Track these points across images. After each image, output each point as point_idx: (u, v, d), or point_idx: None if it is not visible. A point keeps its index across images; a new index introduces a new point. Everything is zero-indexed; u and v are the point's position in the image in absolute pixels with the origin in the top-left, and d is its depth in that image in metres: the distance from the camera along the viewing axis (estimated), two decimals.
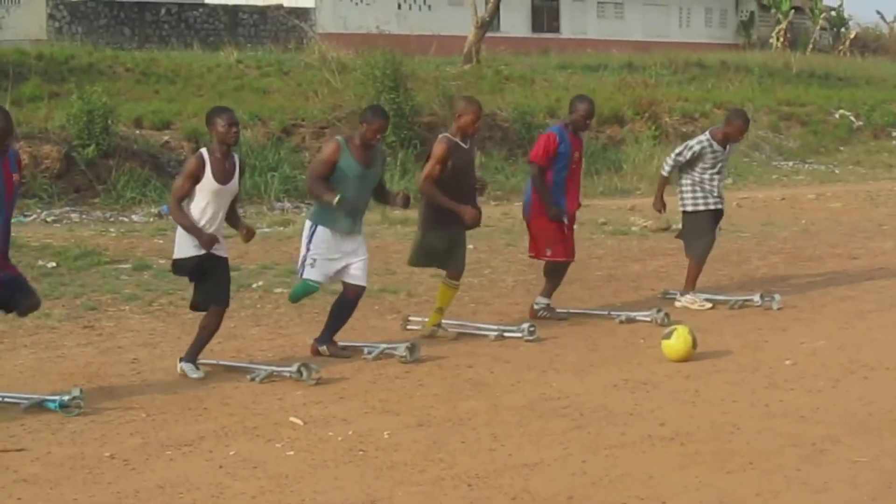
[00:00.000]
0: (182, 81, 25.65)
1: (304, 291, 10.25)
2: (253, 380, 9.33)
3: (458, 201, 10.58)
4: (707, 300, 12.47)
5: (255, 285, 12.96)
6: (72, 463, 7.42)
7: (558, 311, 11.91)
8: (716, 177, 12.45)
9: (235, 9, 41.04)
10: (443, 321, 11.13)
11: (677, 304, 12.40)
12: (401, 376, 9.59)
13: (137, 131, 21.19)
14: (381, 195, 10.48)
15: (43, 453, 7.60)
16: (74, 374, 9.39)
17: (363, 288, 10.28)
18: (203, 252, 9.28)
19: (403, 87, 23.44)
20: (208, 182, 9.23)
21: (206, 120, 9.51)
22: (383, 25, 36.06)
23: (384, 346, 10.24)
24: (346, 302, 10.25)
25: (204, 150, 9.37)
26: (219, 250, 9.40)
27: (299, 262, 10.20)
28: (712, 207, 12.51)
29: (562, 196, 11.69)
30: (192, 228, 9.24)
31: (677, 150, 12.55)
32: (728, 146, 12.48)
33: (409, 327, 11.18)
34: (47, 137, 19.43)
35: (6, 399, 8.60)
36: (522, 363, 10.04)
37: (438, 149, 10.64)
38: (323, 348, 10.17)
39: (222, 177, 9.29)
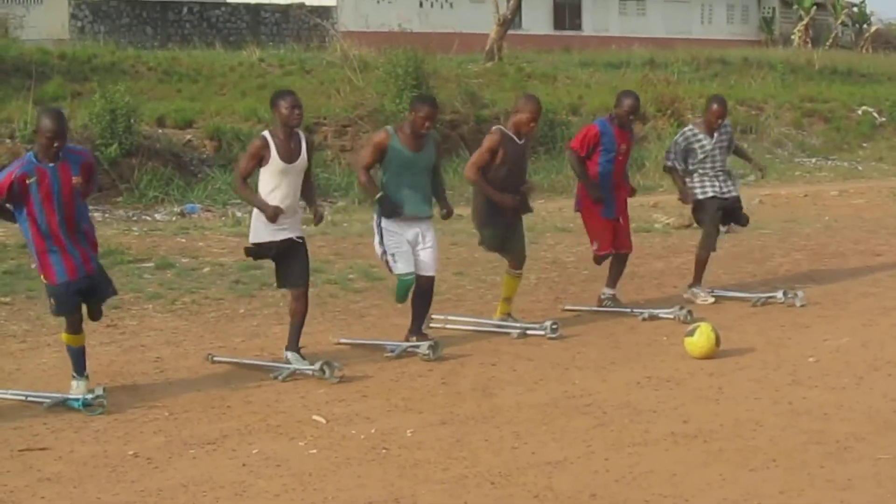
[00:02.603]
0: (204, 80, 25.68)
1: (403, 288, 10.37)
2: (276, 378, 9.34)
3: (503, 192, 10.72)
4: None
5: None
6: (95, 461, 7.44)
7: (625, 304, 12.04)
8: (711, 168, 12.32)
9: (257, 7, 41.04)
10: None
11: (685, 295, 12.44)
12: (423, 374, 9.60)
13: (160, 130, 21.22)
14: (436, 188, 10.50)
15: (66, 452, 7.64)
16: (98, 372, 9.41)
17: (432, 276, 10.42)
18: (277, 239, 9.50)
19: (425, 85, 23.42)
20: (275, 162, 9.42)
21: (270, 103, 9.72)
22: (405, 23, 36.04)
23: (407, 344, 10.25)
24: (422, 292, 10.41)
25: (267, 132, 9.55)
26: (293, 231, 9.60)
27: (383, 263, 10.44)
28: (710, 194, 12.38)
29: (611, 189, 11.75)
30: (257, 202, 9.47)
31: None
32: (716, 134, 12.29)
33: (430, 325, 11.19)
34: (70, 137, 19.43)
35: (30, 398, 8.64)
36: (545, 361, 10.03)
37: (489, 140, 10.80)
38: (413, 339, 10.32)
39: (288, 155, 9.48)
